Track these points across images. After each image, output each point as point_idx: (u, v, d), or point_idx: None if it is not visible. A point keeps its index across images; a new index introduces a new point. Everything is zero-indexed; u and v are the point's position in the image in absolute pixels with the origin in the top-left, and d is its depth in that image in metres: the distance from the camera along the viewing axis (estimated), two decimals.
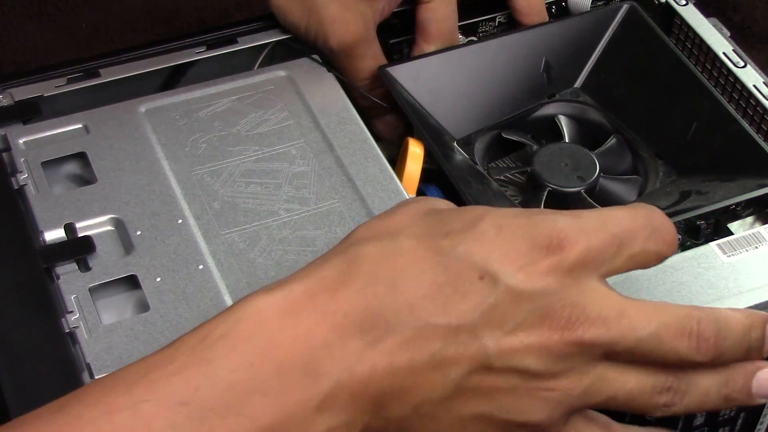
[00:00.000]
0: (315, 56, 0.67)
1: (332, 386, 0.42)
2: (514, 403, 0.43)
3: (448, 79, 0.66)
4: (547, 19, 0.71)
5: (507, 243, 0.43)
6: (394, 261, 0.44)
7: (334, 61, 0.66)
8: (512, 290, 0.43)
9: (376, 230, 0.46)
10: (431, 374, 0.43)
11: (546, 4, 0.72)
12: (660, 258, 0.46)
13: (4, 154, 0.61)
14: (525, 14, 0.70)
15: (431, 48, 0.67)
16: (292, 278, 0.44)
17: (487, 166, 0.65)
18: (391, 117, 0.67)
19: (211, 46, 0.67)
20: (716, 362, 0.45)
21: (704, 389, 0.45)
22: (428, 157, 0.62)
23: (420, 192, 0.62)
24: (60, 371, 0.51)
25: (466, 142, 0.64)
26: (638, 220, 0.45)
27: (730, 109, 0.63)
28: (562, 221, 0.44)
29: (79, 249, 0.56)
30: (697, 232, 0.61)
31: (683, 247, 0.61)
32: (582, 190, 0.62)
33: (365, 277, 0.43)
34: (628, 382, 0.44)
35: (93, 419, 0.40)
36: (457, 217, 0.45)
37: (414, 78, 0.65)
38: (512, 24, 0.72)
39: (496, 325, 0.43)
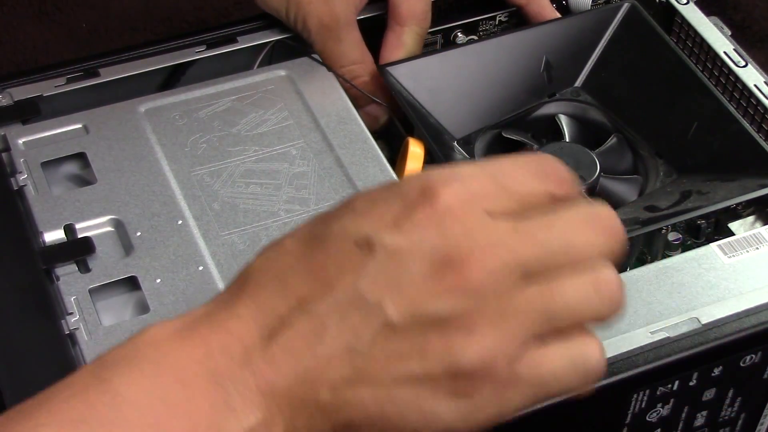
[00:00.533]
0: (315, 56, 0.67)
1: (238, 388, 0.42)
2: (438, 354, 0.41)
3: (448, 78, 0.66)
4: (554, 13, 0.70)
5: (379, 208, 0.42)
6: (279, 262, 0.44)
7: (314, 46, 0.66)
8: (392, 248, 0.41)
9: (269, 244, 0.46)
10: (337, 354, 0.42)
11: None
12: (553, 197, 0.43)
13: (4, 155, 0.61)
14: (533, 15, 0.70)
15: (404, 30, 0.67)
16: (193, 308, 0.45)
17: None
18: (373, 107, 0.67)
19: (210, 46, 0.67)
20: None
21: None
22: (428, 156, 0.62)
23: None
24: (60, 373, 0.50)
25: (467, 142, 0.64)
26: (519, 163, 0.44)
27: (731, 108, 0.63)
28: (432, 173, 0.42)
29: (78, 250, 0.56)
30: (698, 231, 0.61)
31: (684, 247, 0.61)
32: (582, 190, 0.62)
33: (255, 283, 0.43)
34: (559, 282, 0.41)
35: None
36: (337, 206, 0.44)
37: (414, 77, 0.65)
38: (513, 23, 0.72)
39: (386, 285, 0.41)
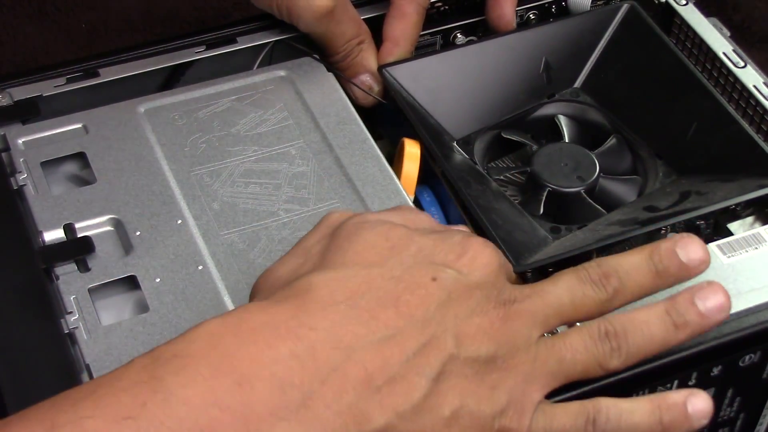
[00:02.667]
0: (315, 56, 0.67)
1: (304, 396, 0.40)
2: (485, 393, 0.45)
3: (448, 79, 0.66)
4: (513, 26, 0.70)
5: (445, 246, 0.47)
6: (348, 283, 0.44)
7: (312, 34, 0.66)
8: (463, 283, 0.46)
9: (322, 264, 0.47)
10: (407, 373, 0.43)
11: (546, 3, 0.73)
12: None
13: (3, 154, 0.61)
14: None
15: (408, 0, 0.67)
16: (245, 305, 0.44)
17: (487, 166, 0.65)
18: (366, 77, 0.67)
19: (210, 46, 0.67)
20: (628, 295, 0.48)
21: (644, 320, 0.47)
22: (425, 156, 0.62)
23: (415, 196, 0.62)
24: (59, 372, 0.51)
25: (466, 142, 0.64)
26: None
27: (730, 109, 0.63)
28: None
29: (78, 249, 0.56)
30: (697, 231, 0.60)
31: None
32: (582, 190, 0.62)
33: (322, 299, 0.44)
34: (567, 337, 0.47)
35: None
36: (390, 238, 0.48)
37: (414, 78, 0.65)
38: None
39: (452, 312, 0.45)
